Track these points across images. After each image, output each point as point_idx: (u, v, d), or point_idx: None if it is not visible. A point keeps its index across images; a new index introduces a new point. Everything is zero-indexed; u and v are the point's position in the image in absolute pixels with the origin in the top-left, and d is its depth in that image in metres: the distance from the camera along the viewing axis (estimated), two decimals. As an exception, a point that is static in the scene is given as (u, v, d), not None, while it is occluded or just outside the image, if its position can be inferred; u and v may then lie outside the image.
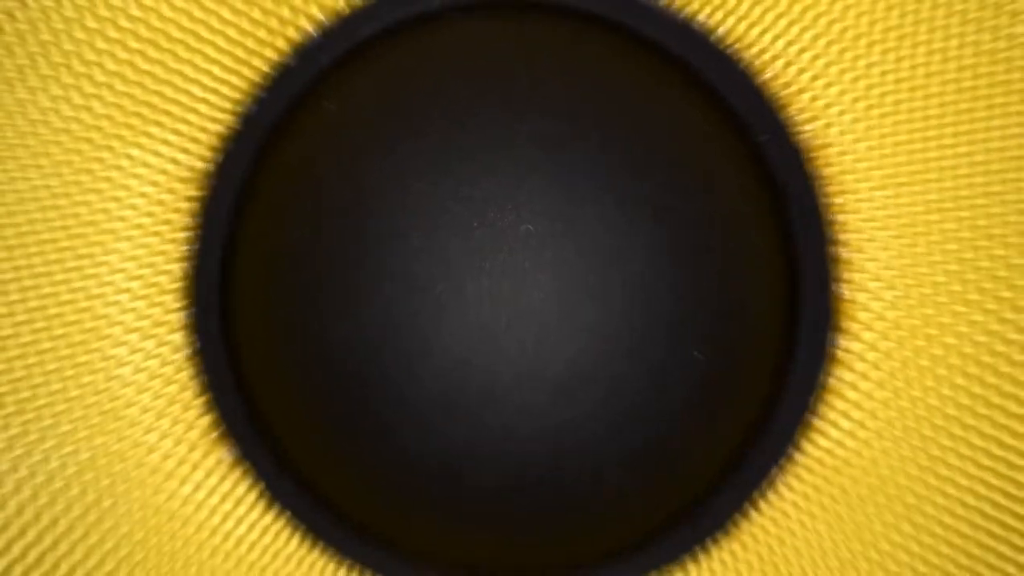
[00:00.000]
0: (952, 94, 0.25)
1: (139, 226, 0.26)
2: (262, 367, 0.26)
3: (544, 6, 0.26)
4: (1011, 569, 0.25)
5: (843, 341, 0.26)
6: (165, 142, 0.25)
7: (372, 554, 0.27)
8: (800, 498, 0.26)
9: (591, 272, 0.24)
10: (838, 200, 0.26)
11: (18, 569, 0.25)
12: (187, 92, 0.26)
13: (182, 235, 0.26)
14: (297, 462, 0.26)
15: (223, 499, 0.26)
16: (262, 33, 0.26)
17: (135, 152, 0.25)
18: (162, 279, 0.26)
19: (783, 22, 0.25)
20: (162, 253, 0.26)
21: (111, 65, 0.25)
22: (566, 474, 0.25)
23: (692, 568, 0.26)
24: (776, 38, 0.26)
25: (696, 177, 0.26)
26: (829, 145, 0.26)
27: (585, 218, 0.24)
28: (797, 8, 0.25)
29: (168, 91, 0.25)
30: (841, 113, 0.25)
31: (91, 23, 0.25)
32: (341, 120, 0.26)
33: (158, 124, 0.26)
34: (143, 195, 0.26)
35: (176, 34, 0.25)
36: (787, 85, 0.26)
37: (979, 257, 0.25)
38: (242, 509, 0.26)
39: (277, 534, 0.26)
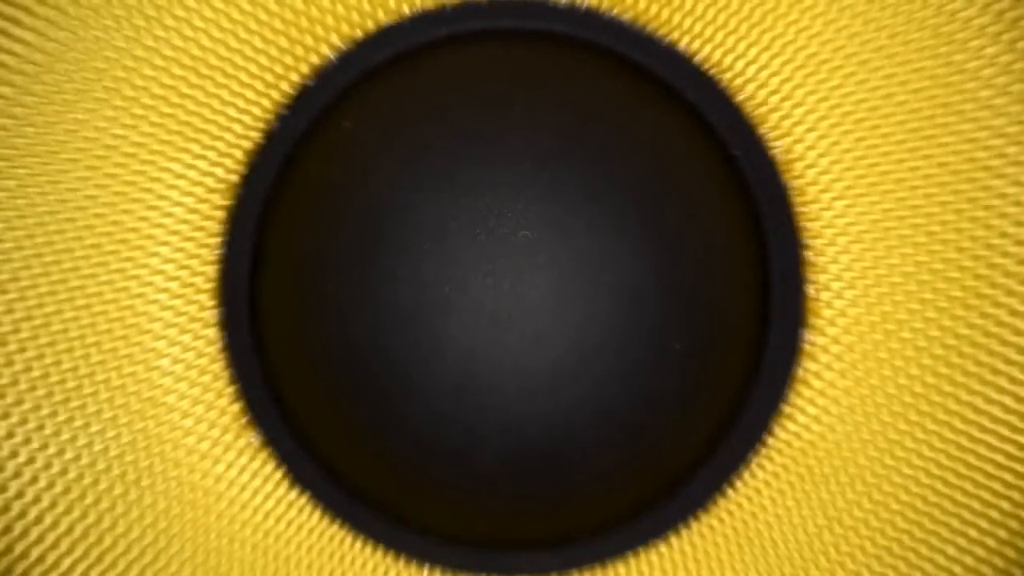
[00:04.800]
0: (904, 113, 0.26)
1: (176, 232, 0.26)
2: (287, 359, 0.27)
3: (538, 34, 0.27)
4: (962, 541, 0.26)
5: (810, 336, 0.26)
6: (199, 156, 0.26)
7: (385, 528, 0.27)
8: (771, 477, 0.27)
9: (582, 273, 0.25)
10: (806, 208, 0.26)
11: (66, 542, 0.26)
12: (222, 113, 0.26)
13: (214, 240, 0.27)
14: (318, 445, 0.27)
15: (252, 477, 0.27)
16: (288, 59, 0.26)
17: (172, 166, 0.26)
18: (197, 280, 0.27)
19: (756, 48, 0.26)
20: (196, 257, 0.26)
21: (158, 90, 0.26)
22: (559, 454, 0.25)
23: (674, 541, 0.27)
24: (750, 63, 0.26)
25: (677, 188, 0.26)
26: (799, 159, 0.26)
27: (577, 225, 0.25)
28: (768, 36, 0.26)
29: (206, 112, 0.26)
30: (809, 130, 0.26)
31: (140, 53, 0.25)
32: (357, 137, 0.26)
33: (194, 141, 0.26)
34: (179, 204, 0.26)
35: (215, 62, 0.26)
36: (761, 105, 0.27)
37: (933, 260, 0.26)
38: (268, 488, 0.27)
39: (299, 511, 0.27)
